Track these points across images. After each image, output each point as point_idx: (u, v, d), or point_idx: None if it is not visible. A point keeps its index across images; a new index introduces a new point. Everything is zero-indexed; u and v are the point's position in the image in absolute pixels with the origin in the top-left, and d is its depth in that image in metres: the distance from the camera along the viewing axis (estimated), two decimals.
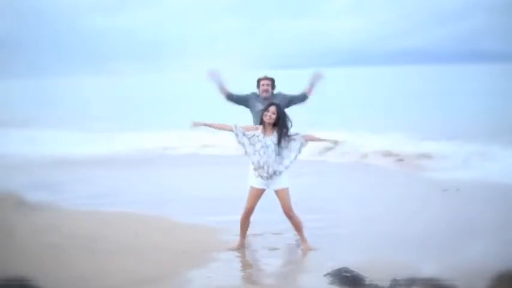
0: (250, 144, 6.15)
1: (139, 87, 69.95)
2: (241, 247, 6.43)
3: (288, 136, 6.17)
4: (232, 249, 6.37)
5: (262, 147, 6.11)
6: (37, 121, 23.44)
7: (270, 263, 6.10)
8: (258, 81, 7.13)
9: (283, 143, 6.14)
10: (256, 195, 6.25)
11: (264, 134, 6.15)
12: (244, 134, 6.16)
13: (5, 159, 12.68)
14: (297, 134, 6.20)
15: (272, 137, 6.13)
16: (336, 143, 6.31)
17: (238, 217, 7.34)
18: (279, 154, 6.13)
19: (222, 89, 7.30)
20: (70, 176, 11.27)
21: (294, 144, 6.18)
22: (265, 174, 6.13)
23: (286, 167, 6.19)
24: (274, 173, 6.12)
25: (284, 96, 7.07)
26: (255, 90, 7.22)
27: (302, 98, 7.17)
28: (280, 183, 6.20)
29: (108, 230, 7.04)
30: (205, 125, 6.27)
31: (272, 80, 7.11)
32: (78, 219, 7.54)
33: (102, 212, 8.11)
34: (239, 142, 6.20)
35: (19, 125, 21.16)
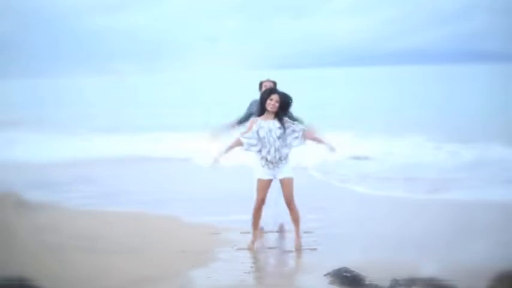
0: (259, 140, 6.17)
1: (140, 87, 69.95)
2: (256, 240, 6.47)
3: (291, 124, 6.19)
4: (250, 247, 6.40)
5: (266, 132, 6.14)
6: (37, 121, 23.45)
7: (270, 262, 6.10)
8: (261, 83, 7.11)
9: (285, 129, 6.16)
10: (264, 186, 6.26)
11: (265, 120, 6.18)
12: (251, 140, 6.19)
13: (5, 159, 12.67)
14: (301, 128, 6.21)
15: (274, 121, 6.16)
16: (332, 150, 6.25)
17: (238, 217, 7.38)
18: (281, 138, 6.14)
19: (229, 128, 7.22)
20: (70, 176, 11.27)
21: (294, 135, 6.19)
22: (272, 159, 6.15)
23: (287, 153, 6.21)
24: (280, 157, 6.15)
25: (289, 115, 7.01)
26: (254, 89, 7.22)
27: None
28: (286, 172, 6.22)
29: (108, 230, 7.04)
30: (225, 152, 6.23)
31: (274, 83, 7.08)
32: (78, 219, 7.54)
33: (102, 212, 8.11)
34: (249, 150, 6.27)
35: (19, 125, 21.16)
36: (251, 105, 7.20)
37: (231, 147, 6.27)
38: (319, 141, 6.28)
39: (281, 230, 7.07)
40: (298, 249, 6.36)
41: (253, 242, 6.47)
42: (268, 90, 6.26)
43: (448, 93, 37.18)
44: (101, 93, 54.93)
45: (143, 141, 16.35)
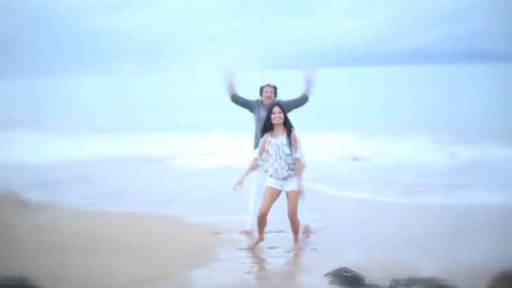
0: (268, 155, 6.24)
1: (140, 87, 69.96)
2: (260, 242, 6.48)
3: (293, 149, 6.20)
4: (251, 247, 6.44)
5: (275, 149, 6.16)
6: (37, 121, 23.46)
7: (271, 262, 6.10)
8: (261, 88, 7.14)
9: (292, 144, 6.17)
10: (271, 194, 6.26)
11: (275, 137, 6.20)
12: (263, 157, 6.26)
13: (5, 159, 12.67)
14: (297, 158, 6.16)
15: (282, 138, 6.18)
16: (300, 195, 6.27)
17: (238, 217, 7.37)
18: (289, 155, 6.15)
19: (230, 87, 7.25)
20: (70, 176, 11.27)
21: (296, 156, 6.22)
22: (278, 176, 6.18)
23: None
24: (287, 173, 6.17)
25: (284, 103, 7.03)
26: (255, 89, 7.22)
27: (303, 100, 7.16)
28: (294, 185, 6.21)
29: (108, 230, 7.04)
30: (244, 177, 6.33)
31: (275, 88, 7.11)
32: (78, 219, 7.54)
33: (102, 212, 8.12)
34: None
35: (19, 125, 21.17)
36: (254, 101, 7.18)
37: (251, 168, 6.38)
38: (299, 177, 6.20)
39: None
40: (298, 252, 6.37)
41: (255, 243, 6.48)
42: (270, 106, 6.38)
43: (448, 93, 37.19)
44: (100, 93, 54.95)
45: (143, 141, 16.35)
